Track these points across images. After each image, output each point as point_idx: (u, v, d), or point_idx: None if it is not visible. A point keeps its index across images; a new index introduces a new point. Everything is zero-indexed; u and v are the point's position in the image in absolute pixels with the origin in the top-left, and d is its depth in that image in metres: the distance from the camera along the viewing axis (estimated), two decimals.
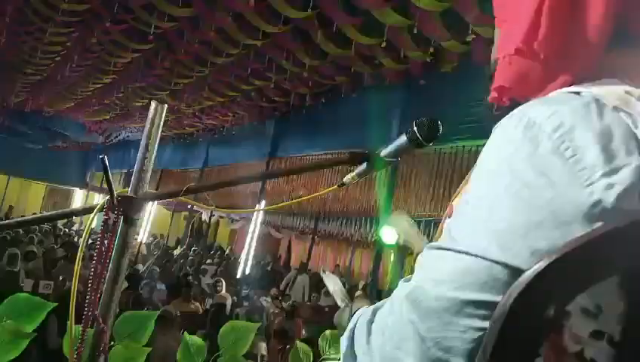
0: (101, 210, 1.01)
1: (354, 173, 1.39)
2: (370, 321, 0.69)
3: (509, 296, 0.57)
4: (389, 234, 7.31)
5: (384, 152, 1.31)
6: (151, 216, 15.14)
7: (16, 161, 18.50)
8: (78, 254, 0.99)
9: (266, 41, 6.47)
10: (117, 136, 16.32)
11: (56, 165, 19.26)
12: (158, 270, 9.21)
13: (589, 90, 0.62)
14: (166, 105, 1.09)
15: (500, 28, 0.77)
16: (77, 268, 1.02)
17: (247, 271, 10.37)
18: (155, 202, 15.85)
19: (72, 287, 0.98)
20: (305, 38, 6.39)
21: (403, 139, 1.23)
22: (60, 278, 7.11)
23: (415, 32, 5.34)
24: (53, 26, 7.11)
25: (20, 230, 13.84)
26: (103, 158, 0.93)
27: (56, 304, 1.81)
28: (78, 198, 22.53)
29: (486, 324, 0.57)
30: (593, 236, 0.56)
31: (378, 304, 0.74)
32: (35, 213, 19.24)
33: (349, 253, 17.19)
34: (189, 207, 13.29)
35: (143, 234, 14.29)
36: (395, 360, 0.62)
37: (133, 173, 1.08)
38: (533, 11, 0.68)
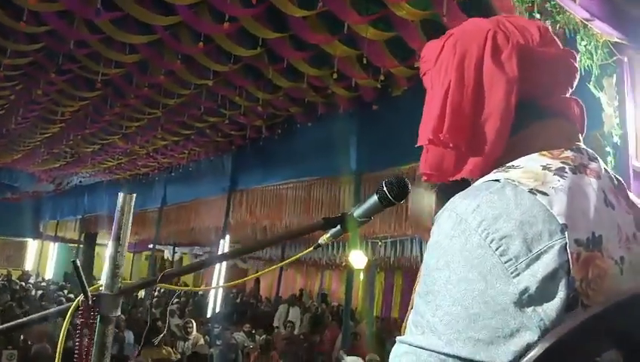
0: (75, 310, 0.99)
1: (328, 235, 1.42)
2: None
3: None
4: (357, 257, 7.38)
5: (357, 213, 1.34)
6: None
7: None
8: (57, 355, 0.96)
9: (217, 79, 6.48)
10: (69, 183, 15.86)
11: (7, 217, 18.52)
12: (123, 317, 8.93)
13: (506, 176, 0.67)
14: (135, 195, 1.08)
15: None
16: None
17: (217, 308, 10.16)
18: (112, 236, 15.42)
19: None
20: (256, 74, 6.44)
21: (374, 199, 1.26)
22: (22, 338, 6.80)
23: (364, 61, 5.46)
24: None
25: None
26: (74, 261, 0.91)
27: None
28: (32, 249, 21.66)
29: None
30: (581, 320, 0.59)
31: None
32: None
33: (318, 276, 17.17)
34: (149, 246, 12.99)
35: (104, 279, 13.86)
36: None
37: (107, 269, 1.06)
38: (439, 106, 0.75)
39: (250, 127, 8.48)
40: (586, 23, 3.41)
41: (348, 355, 6.32)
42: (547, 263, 0.59)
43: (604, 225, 0.64)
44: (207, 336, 8.33)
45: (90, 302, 0.97)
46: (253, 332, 8.98)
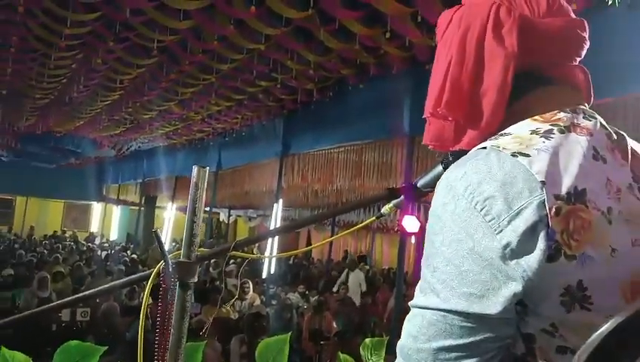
0: (157, 276, 1.04)
1: (391, 204, 1.42)
2: None
3: (579, 358, 0.61)
4: (410, 222, 7.34)
5: (421, 183, 1.33)
6: (170, 222, 15.29)
7: (33, 183, 18.77)
8: (141, 318, 1.02)
9: (269, 43, 6.46)
10: (129, 148, 16.44)
11: (71, 182, 19.53)
12: None
13: (493, 143, 0.72)
14: (208, 168, 1.11)
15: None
16: (141, 331, 1.05)
17: (272, 270, 10.43)
18: (174, 207, 16.01)
19: (139, 355, 1.02)
20: (307, 37, 6.37)
21: (439, 169, 1.25)
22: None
23: (418, 18, 5.29)
24: (57, 51, 7.16)
25: (45, 250, 14.10)
26: (155, 231, 0.96)
27: (105, 348, 1.86)
28: (97, 212, 22.82)
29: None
30: None
31: None
32: (56, 231, 19.52)
33: (369, 240, 17.27)
34: (206, 209, 13.37)
35: (165, 240, 14.44)
36: None
37: (184, 238, 1.10)
38: (441, 80, 0.80)
39: (301, 91, 8.46)
40: None
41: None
42: (527, 218, 0.64)
43: (589, 179, 0.67)
44: (262, 296, 8.61)
45: (170, 269, 1.02)
46: (307, 293, 9.20)
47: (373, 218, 1.27)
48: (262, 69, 7.39)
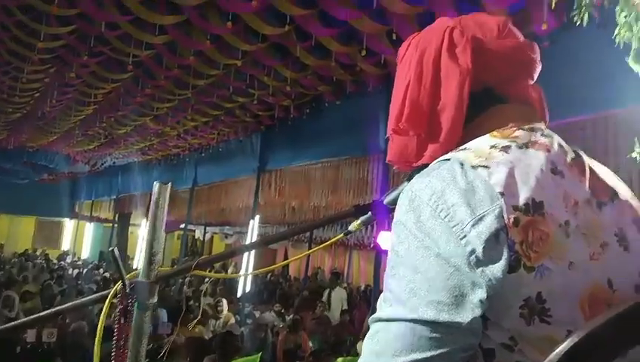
0: (114, 298, 1.00)
1: (359, 222, 1.41)
2: None
3: None
4: (385, 238, 7.33)
5: (387, 200, 1.33)
6: (145, 240, 15.04)
7: (4, 198, 18.31)
8: (97, 338, 0.98)
9: (246, 59, 6.46)
10: (103, 164, 16.21)
11: (44, 198, 19.12)
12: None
13: (455, 155, 0.73)
14: (170, 184, 1.08)
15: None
16: (97, 355, 1.00)
17: (247, 288, 10.31)
18: (149, 224, 15.74)
19: None
20: (284, 53, 6.39)
21: (405, 185, 1.24)
22: (60, 317, 7.03)
23: (394, 36, 5.35)
24: (30, 65, 7.05)
25: (13, 269, 13.71)
26: (112, 251, 0.92)
27: None
28: (69, 229, 22.33)
29: None
30: (609, 317, 0.60)
31: None
32: (27, 249, 19.03)
33: (346, 257, 17.23)
34: (181, 226, 13.22)
35: (138, 258, 14.21)
36: None
37: (144, 257, 1.06)
38: (401, 99, 0.84)
39: (278, 107, 8.47)
40: None
41: None
42: (489, 225, 0.65)
43: (547, 192, 0.69)
44: (237, 315, 8.49)
45: (127, 290, 0.98)
46: (283, 311, 9.09)
47: (341, 235, 1.27)
48: (238, 84, 7.38)
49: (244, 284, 10.08)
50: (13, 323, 1.02)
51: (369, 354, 0.69)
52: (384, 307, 0.70)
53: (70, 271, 14.00)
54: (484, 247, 0.64)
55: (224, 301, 8.18)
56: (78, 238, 21.39)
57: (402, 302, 0.67)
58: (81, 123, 10.68)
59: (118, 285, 1.00)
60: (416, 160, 0.84)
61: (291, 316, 7.98)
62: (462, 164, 0.71)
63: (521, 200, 0.67)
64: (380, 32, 5.53)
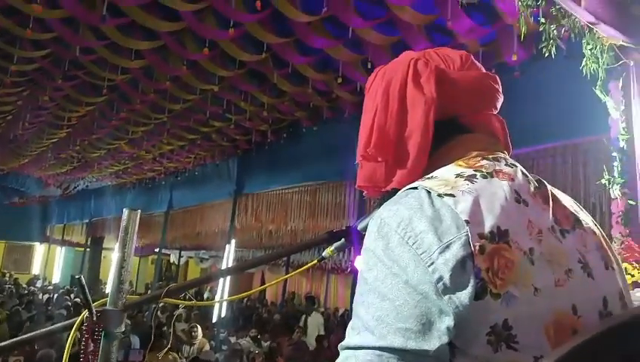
0: (80, 327, 0.98)
1: (332, 248, 1.42)
2: None
3: None
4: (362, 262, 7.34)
5: (361, 226, 1.34)
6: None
7: None
8: None
9: (223, 84, 6.49)
10: (75, 188, 15.93)
11: (14, 222, 18.64)
12: (129, 322, 8.93)
13: (422, 184, 0.74)
14: (139, 211, 1.08)
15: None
16: None
17: (223, 313, 10.15)
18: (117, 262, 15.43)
19: None
20: (261, 79, 6.45)
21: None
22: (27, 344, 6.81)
23: (369, 65, 5.45)
24: (2, 87, 6.95)
25: None
26: (79, 278, 0.91)
27: None
28: (39, 253, 21.75)
29: None
30: (579, 341, 0.61)
31: None
32: None
33: (324, 281, 17.13)
34: (155, 250, 13.02)
35: (110, 283, 13.88)
36: None
37: (112, 284, 1.06)
38: (369, 127, 0.86)
39: (255, 132, 8.49)
40: (592, 26, 3.39)
41: None
42: (456, 252, 0.66)
43: (511, 220, 0.70)
44: (212, 341, 8.33)
45: (94, 319, 0.97)
46: (259, 337, 8.95)
47: (315, 261, 1.27)
48: (215, 109, 7.40)
49: (220, 310, 9.93)
50: None
51: None
52: (352, 334, 0.69)
53: (40, 296, 13.59)
54: (451, 275, 0.65)
55: (199, 327, 8.03)
56: (49, 263, 20.84)
57: (370, 329, 0.67)
58: (54, 146, 10.53)
59: (85, 314, 0.99)
60: (385, 185, 0.86)
61: (268, 342, 7.88)
62: (429, 193, 0.72)
63: (487, 228, 0.68)
64: (356, 60, 5.63)
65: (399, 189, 0.81)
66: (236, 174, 9.90)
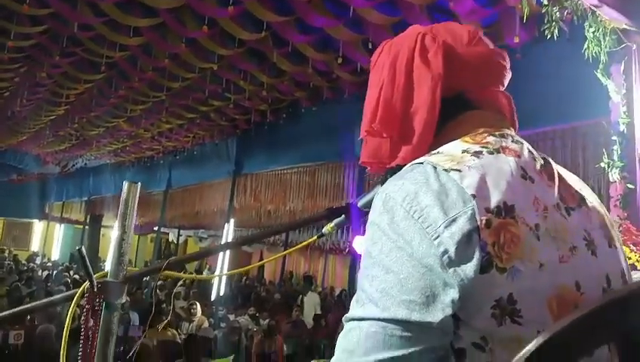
0: (81, 297, 1.00)
1: (332, 224, 1.42)
2: None
3: None
4: (361, 243, 7.39)
5: (361, 203, 1.35)
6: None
7: None
8: (63, 339, 0.98)
9: (222, 63, 6.44)
10: (74, 165, 15.91)
11: (13, 199, 18.65)
12: (128, 299, 9.00)
13: (428, 159, 0.74)
14: (139, 184, 1.09)
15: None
16: (63, 355, 1.00)
17: (222, 291, 10.23)
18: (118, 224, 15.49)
19: None
20: (261, 58, 6.40)
21: (379, 188, 1.27)
22: (28, 317, 6.87)
23: (369, 45, 5.41)
24: None
25: None
26: (80, 249, 0.92)
27: None
28: (38, 230, 21.83)
29: None
30: (575, 317, 0.61)
31: None
32: None
33: (322, 261, 17.24)
34: (154, 229, 13.07)
35: (109, 266, 13.93)
36: None
37: (112, 256, 1.07)
38: (374, 101, 0.85)
39: (254, 111, 8.46)
40: (595, 9, 3.37)
41: None
42: (462, 226, 0.66)
43: (517, 196, 0.70)
44: (211, 319, 8.41)
45: (95, 289, 0.98)
46: (257, 315, 9.04)
47: (315, 237, 1.28)
48: (214, 88, 7.36)
49: (219, 288, 10.02)
50: None
51: (342, 352, 0.69)
52: (356, 306, 0.70)
53: (40, 273, 13.68)
54: (456, 248, 0.65)
55: (197, 304, 8.11)
56: (48, 240, 20.93)
57: (374, 301, 0.67)
58: (52, 123, 10.48)
59: (86, 284, 1.00)
60: (390, 161, 0.86)
61: (267, 320, 7.95)
62: (435, 167, 0.72)
63: (493, 203, 0.68)
64: (356, 40, 5.59)
65: (403, 166, 0.80)
66: (235, 154, 9.89)
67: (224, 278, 10.75)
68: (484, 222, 0.66)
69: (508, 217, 0.68)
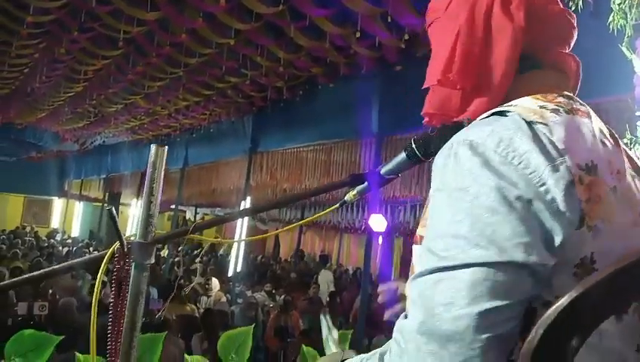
0: (111, 258, 1.01)
1: (355, 191, 1.41)
2: None
3: (536, 333, 0.61)
4: (377, 221, 7.38)
5: (384, 170, 1.33)
6: (135, 219, 15.00)
7: None
8: (93, 302, 0.99)
9: (239, 38, 6.41)
10: (92, 143, 16.06)
11: (32, 176, 18.93)
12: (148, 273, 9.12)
13: (511, 110, 0.72)
14: (166, 147, 1.09)
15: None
16: (93, 317, 1.01)
17: (239, 268, 10.35)
18: (139, 204, 15.74)
19: (91, 336, 0.98)
20: (278, 33, 6.35)
21: (402, 156, 1.25)
22: (50, 292, 7.04)
23: (388, 19, 5.33)
24: (18, 39, 6.93)
25: (3, 245, 13.66)
26: (110, 210, 0.93)
27: (61, 338, 1.80)
28: (58, 207, 22.18)
29: (506, 329, 0.62)
30: (613, 271, 0.60)
31: (381, 349, 0.76)
32: (17, 226, 18.91)
33: (337, 239, 17.31)
34: (172, 206, 13.19)
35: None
36: None
37: (141, 218, 1.07)
38: (449, 49, 0.81)
39: (271, 88, 8.42)
40: None
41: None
42: (564, 175, 0.65)
43: (598, 157, 0.70)
44: (228, 295, 8.54)
45: (125, 250, 0.99)
46: (274, 292, 9.16)
47: (336, 205, 1.26)
48: (231, 64, 7.33)
49: (235, 265, 10.13)
50: (4, 282, 1.03)
51: (431, 309, 0.63)
52: (453, 250, 0.64)
53: (60, 249, 13.96)
54: (563, 195, 0.64)
55: (214, 279, 8.23)
56: (68, 217, 21.26)
57: (483, 245, 0.62)
58: (71, 100, 10.55)
59: (116, 245, 1.01)
60: (458, 114, 0.83)
61: (282, 296, 8.05)
62: (520, 117, 0.70)
63: (582, 160, 0.68)
64: (375, 14, 5.50)
65: (460, 124, 0.79)
66: (251, 132, 9.89)
67: (240, 256, 10.85)
68: (577, 177, 0.66)
69: (593, 176, 0.67)
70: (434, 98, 0.85)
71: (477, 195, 0.64)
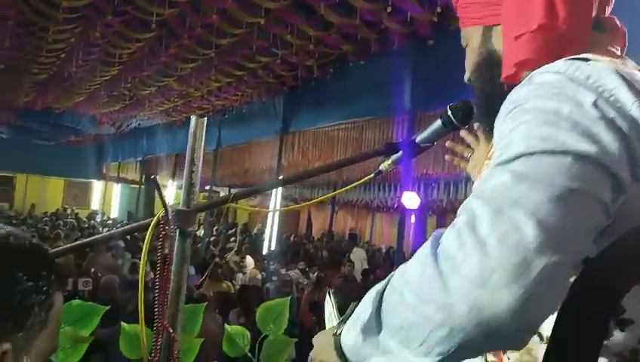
0: (157, 225, 1.05)
1: (389, 161, 1.41)
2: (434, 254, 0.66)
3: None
4: (409, 199, 7.35)
5: (419, 138, 1.33)
6: (171, 200, 15.30)
7: (33, 159, 18.75)
8: (140, 271, 1.04)
9: (269, 17, 6.40)
10: (128, 125, 16.40)
11: (71, 159, 19.50)
12: None
13: (590, 56, 0.72)
14: (205, 119, 1.12)
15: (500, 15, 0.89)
16: (141, 286, 1.06)
17: (273, 246, 10.50)
18: (174, 185, 16.03)
19: (139, 301, 1.03)
20: (308, 10, 6.31)
21: (438, 123, 1.25)
22: (92, 271, 7.29)
23: None
24: (55, 24, 7.10)
25: (46, 226, 14.17)
26: (154, 178, 0.96)
27: (107, 308, 1.87)
28: (97, 189, 22.83)
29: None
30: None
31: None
32: (58, 209, 19.55)
33: (369, 218, 17.33)
34: (206, 187, 13.42)
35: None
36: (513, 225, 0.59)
37: (184, 187, 1.11)
38: None
39: (301, 67, 8.40)
40: None
41: None
42: None
43: None
44: (263, 272, 8.68)
45: (169, 217, 1.03)
46: (307, 270, 9.27)
47: (372, 175, 1.27)
48: (262, 43, 7.33)
49: (269, 243, 10.27)
50: (55, 249, 1.08)
51: (514, 186, 0.62)
52: (540, 142, 0.62)
53: (100, 230, 14.38)
54: None
55: (249, 257, 8.37)
56: (107, 199, 21.87)
57: (587, 141, 0.62)
58: (107, 84, 10.78)
59: (161, 212, 1.05)
60: (553, 60, 0.78)
61: (315, 273, 8.14)
62: (602, 61, 0.71)
63: None
64: None
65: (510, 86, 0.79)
66: (282, 112, 9.91)
67: (274, 235, 11.00)
68: None
69: None
70: (533, 44, 0.81)
71: (570, 113, 0.64)
